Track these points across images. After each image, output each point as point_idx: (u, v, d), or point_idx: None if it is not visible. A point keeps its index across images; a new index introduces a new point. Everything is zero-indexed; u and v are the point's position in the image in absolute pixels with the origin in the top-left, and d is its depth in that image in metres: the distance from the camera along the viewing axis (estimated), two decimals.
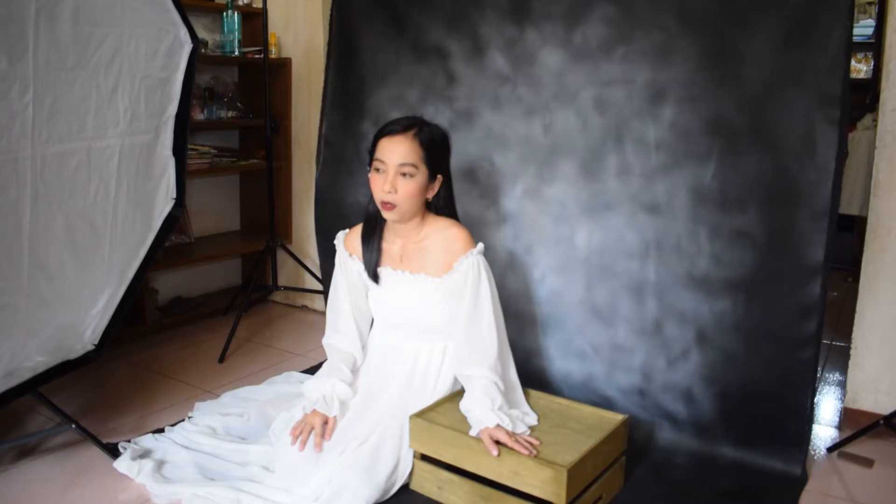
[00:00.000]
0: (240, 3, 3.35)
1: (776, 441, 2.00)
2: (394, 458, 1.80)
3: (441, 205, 1.93)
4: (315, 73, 3.29)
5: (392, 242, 1.94)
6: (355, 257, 1.98)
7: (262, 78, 3.06)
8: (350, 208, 2.62)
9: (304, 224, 3.50)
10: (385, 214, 1.85)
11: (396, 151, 1.79)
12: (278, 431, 1.94)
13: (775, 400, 2.00)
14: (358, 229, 1.99)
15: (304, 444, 1.80)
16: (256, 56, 3.25)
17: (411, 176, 1.80)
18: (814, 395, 1.99)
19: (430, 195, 1.88)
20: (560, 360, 2.30)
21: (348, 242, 2.00)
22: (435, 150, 1.84)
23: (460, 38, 2.41)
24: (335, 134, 2.68)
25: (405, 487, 1.84)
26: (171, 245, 3.25)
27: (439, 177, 1.88)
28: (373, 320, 2.07)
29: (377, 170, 1.82)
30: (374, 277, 1.94)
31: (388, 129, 1.83)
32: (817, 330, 1.93)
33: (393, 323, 1.99)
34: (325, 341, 2.03)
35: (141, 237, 2.21)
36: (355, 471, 1.73)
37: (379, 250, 1.94)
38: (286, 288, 3.40)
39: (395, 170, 1.79)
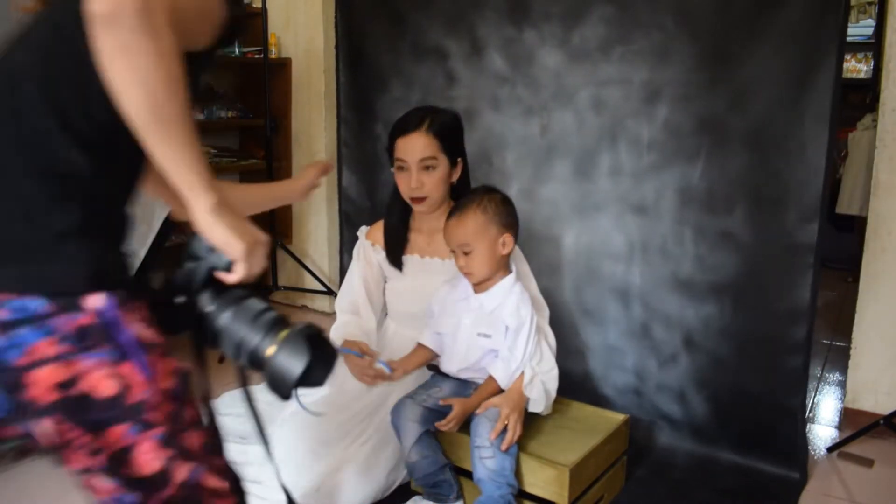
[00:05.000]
0: None
1: (772, 444, 2.00)
2: (395, 456, 1.81)
3: (461, 189, 1.94)
4: (315, 73, 3.29)
5: (419, 231, 1.95)
6: (378, 247, 1.98)
7: (262, 78, 3.06)
8: (378, 205, 2.63)
9: (304, 224, 3.50)
10: (416, 209, 1.87)
11: (414, 149, 1.81)
12: (278, 426, 1.93)
13: (768, 403, 2.01)
14: (381, 224, 1.99)
15: (371, 374, 1.77)
16: (256, 56, 3.25)
17: (433, 168, 1.82)
18: (805, 400, 1.99)
19: (455, 178, 1.90)
20: (557, 359, 2.30)
21: (371, 234, 2.01)
22: (450, 137, 1.86)
23: (459, 38, 2.42)
24: (352, 135, 2.71)
25: (405, 486, 1.84)
26: (171, 245, 3.24)
27: (460, 161, 1.90)
28: (384, 316, 2.07)
29: (400, 168, 1.84)
30: (399, 266, 1.94)
31: (401, 129, 1.84)
32: (807, 335, 1.93)
33: (413, 313, 1.98)
34: (338, 322, 1.96)
35: (141, 237, 2.21)
36: (357, 466, 1.73)
37: (406, 239, 1.95)
38: (286, 288, 3.40)
39: (417, 165, 1.81)
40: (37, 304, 0.76)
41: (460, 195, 1.94)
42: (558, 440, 1.78)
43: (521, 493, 1.70)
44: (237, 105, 3.37)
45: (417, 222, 1.96)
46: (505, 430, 1.65)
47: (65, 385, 0.78)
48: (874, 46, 4.96)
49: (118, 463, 0.82)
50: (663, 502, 1.86)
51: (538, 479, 1.66)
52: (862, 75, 5.53)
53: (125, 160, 0.84)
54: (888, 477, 1.99)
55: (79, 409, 0.79)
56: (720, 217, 2.01)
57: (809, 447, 2.14)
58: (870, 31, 5.33)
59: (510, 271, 1.78)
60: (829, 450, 2.13)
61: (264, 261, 0.91)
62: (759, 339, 1.99)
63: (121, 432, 0.81)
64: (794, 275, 1.92)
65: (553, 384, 1.79)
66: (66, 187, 0.79)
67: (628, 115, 2.13)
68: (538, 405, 1.74)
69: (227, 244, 0.85)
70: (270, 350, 0.87)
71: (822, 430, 2.27)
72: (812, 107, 1.85)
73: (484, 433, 1.65)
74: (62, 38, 0.81)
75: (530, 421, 1.83)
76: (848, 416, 2.27)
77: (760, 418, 2.02)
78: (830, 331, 3.06)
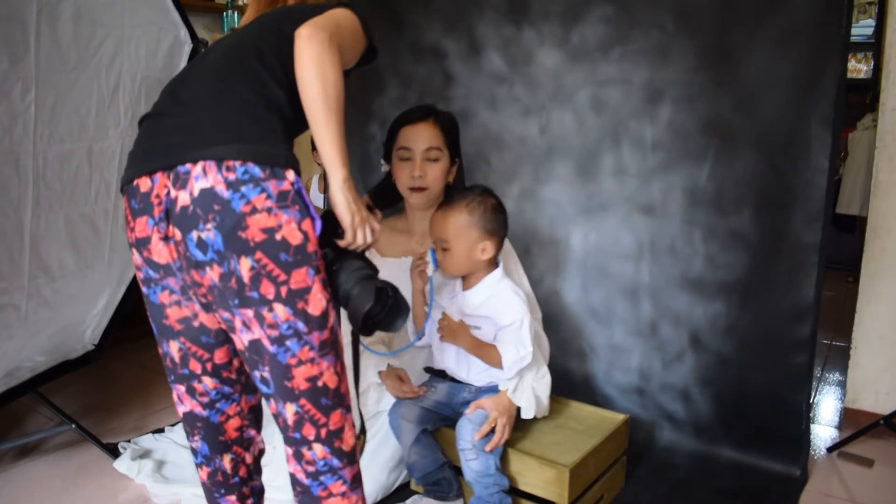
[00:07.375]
0: (240, 2, 3.34)
1: (775, 442, 2.00)
2: (395, 456, 1.81)
3: (455, 191, 1.94)
4: None
5: (411, 234, 1.96)
6: (375, 251, 1.98)
7: None
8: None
9: None
10: (414, 198, 1.86)
11: (421, 137, 1.82)
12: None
13: (772, 402, 2.00)
14: None
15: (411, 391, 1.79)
16: None
17: (437, 160, 1.83)
18: (809, 397, 1.99)
19: (451, 178, 1.90)
20: (560, 359, 2.31)
21: None
22: (453, 134, 1.89)
23: (457, 37, 2.41)
24: (348, 134, 2.68)
25: (405, 485, 1.84)
26: None
27: (458, 160, 1.91)
28: None
29: (403, 158, 1.84)
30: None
31: (408, 118, 1.86)
32: (811, 333, 1.93)
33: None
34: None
35: None
36: None
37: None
38: None
39: (421, 155, 1.82)
40: (257, 170, 1.07)
41: None
42: (558, 440, 1.78)
43: (522, 494, 1.70)
44: None
45: (409, 223, 1.95)
46: (492, 431, 1.65)
47: (270, 230, 1.07)
48: (874, 46, 4.96)
49: (297, 297, 1.09)
50: (663, 502, 1.86)
51: (538, 479, 1.66)
52: (862, 75, 5.53)
53: (296, 116, 1.19)
54: (888, 477, 1.99)
55: (277, 249, 1.07)
56: (729, 217, 2.01)
57: (809, 447, 2.14)
58: (870, 31, 5.33)
59: (496, 267, 1.77)
60: (829, 450, 2.13)
61: (370, 237, 1.20)
62: (765, 336, 1.99)
63: (304, 273, 1.09)
64: (799, 273, 1.92)
65: (544, 390, 1.79)
66: (273, 106, 1.15)
67: (630, 116, 2.13)
68: (528, 412, 1.74)
69: (342, 214, 1.16)
70: (352, 292, 1.17)
71: (822, 430, 2.27)
72: (816, 108, 1.84)
73: (467, 436, 1.65)
74: (280, 38, 1.19)
75: (530, 421, 1.83)
76: (848, 416, 2.27)
77: (764, 414, 2.02)
78: (830, 331, 3.06)
